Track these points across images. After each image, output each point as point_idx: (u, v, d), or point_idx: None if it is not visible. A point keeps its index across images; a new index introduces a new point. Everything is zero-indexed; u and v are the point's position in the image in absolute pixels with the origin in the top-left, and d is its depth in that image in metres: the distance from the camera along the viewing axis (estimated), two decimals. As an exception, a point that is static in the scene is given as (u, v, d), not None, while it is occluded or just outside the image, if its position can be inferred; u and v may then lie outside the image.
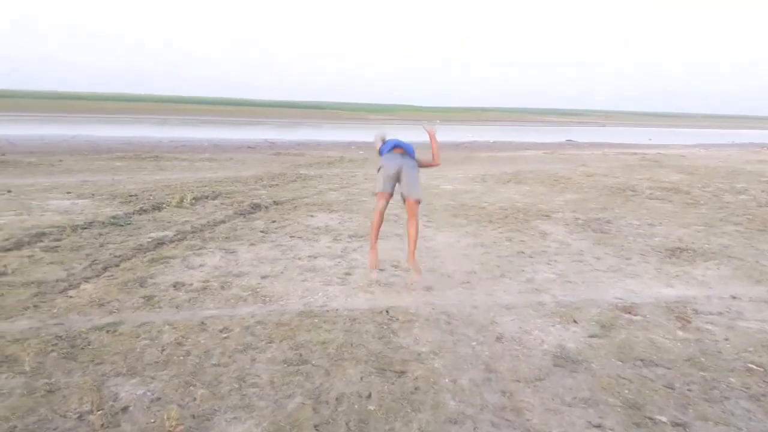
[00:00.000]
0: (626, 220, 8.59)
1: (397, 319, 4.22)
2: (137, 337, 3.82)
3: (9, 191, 10.16)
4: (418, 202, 5.23)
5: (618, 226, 8.06)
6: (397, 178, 5.11)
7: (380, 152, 5.41)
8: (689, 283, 5.34)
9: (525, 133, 53.31)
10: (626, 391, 3.19)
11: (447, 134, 45.72)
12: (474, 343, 3.82)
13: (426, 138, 5.52)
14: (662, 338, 3.97)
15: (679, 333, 4.08)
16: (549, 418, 2.90)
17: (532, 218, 8.57)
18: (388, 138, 5.60)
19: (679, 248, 6.68)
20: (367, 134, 40.14)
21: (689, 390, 3.23)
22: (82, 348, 3.63)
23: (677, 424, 2.88)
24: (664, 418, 2.91)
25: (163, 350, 3.62)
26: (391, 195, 5.18)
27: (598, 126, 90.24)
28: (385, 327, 4.06)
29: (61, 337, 3.79)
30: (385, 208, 5.19)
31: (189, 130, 41.70)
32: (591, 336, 3.99)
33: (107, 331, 3.90)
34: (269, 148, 24.73)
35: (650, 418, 2.91)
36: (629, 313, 4.48)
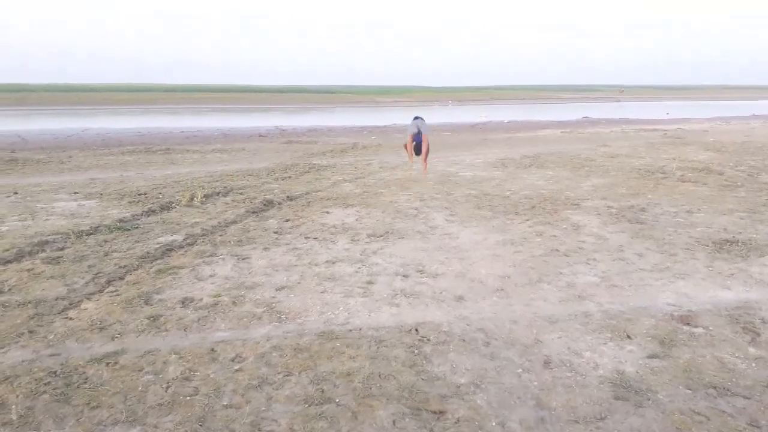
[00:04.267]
0: (661, 207, 8.05)
1: (429, 340, 3.77)
2: (140, 371, 3.41)
3: (15, 193, 9.85)
4: (427, 135, 10.59)
5: (654, 215, 7.53)
6: (418, 130, 10.44)
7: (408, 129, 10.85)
8: (747, 284, 4.83)
9: (539, 112, 52.31)
10: (706, 433, 2.72)
11: (461, 115, 44.96)
12: (519, 371, 3.36)
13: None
14: (732, 357, 3.49)
15: (751, 350, 3.59)
16: (620, 473, 2.45)
17: (560, 208, 8.06)
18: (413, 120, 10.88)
19: (726, 240, 6.14)
20: (379, 118, 39.53)
21: (779, 429, 2.76)
22: (78, 387, 3.23)
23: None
24: (758, 472, 2.45)
25: (168, 387, 3.21)
26: (414, 137, 10.55)
27: (613, 101, 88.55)
28: (415, 351, 3.61)
29: (55, 372, 3.40)
30: (411, 142, 10.63)
31: (199, 119, 41.33)
32: (650, 356, 3.51)
33: (107, 364, 3.50)
34: (280, 136, 24.25)
35: (742, 472, 2.45)
36: (688, 324, 3.99)
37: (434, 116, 41.01)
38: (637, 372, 3.32)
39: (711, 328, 3.93)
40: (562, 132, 24.76)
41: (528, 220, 7.33)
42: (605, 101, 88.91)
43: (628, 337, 3.79)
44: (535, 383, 3.21)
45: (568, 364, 3.42)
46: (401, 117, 36.60)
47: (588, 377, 3.27)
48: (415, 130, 10.48)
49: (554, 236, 6.48)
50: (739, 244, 5.99)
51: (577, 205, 8.27)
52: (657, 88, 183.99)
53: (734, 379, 3.22)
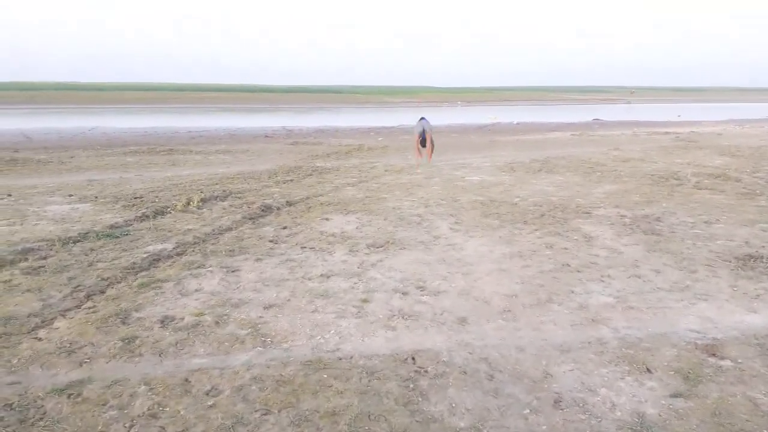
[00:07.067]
0: (677, 216, 7.64)
1: (426, 372, 3.40)
2: (103, 405, 3.07)
3: (9, 195, 9.57)
4: (431, 134, 12.80)
5: (670, 225, 7.12)
6: (423, 129, 12.60)
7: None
8: (776, 307, 4.43)
9: (549, 113, 51.75)
10: (743, 498, 2.34)
11: (469, 116, 44.52)
12: (526, 411, 2.98)
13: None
14: (766, 397, 3.10)
15: (787, 389, 3.20)
16: None
17: (571, 217, 7.66)
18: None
19: (749, 255, 5.74)
20: (386, 119, 39.16)
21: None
22: (33, 424, 2.90)
23: None
24: None
25: (132, 427, 2.86)
26: (421, 136, 12.65)
27: (624, 103, 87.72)
28: (411, 385, 3.24)
29: (11, 405, 3.07)
30: (418, 140, 12.76)
31: (207, 119, 41.18)
32: (674, 395, 3.13)
33: (69, 396, 3.16)
34: (287, 137, 23.94)
35: None
36: (714, 355, 3.61)
37: (442, 117, 40.63)
38: (660, 415, 2.94)
39: (740, 360, 3.53)
40: (572, 134, 24.31)
41: (537, 230, 6.94)
42: (615, 103, 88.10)
43: (648, 370, 3.40)
44: (544, 428, 2.83)
45: (581, 404, 3.04)
46: (409, 118, 36.25)
47: (604, 421, 2.89)
48: (420, 129, 12.74)
49: (565, 249, 6.09)
50: (764, 260, 5.58)
51: (588, 213, 7.88)
52: (668, 89, 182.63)
53: (771, 427, 2.83)
